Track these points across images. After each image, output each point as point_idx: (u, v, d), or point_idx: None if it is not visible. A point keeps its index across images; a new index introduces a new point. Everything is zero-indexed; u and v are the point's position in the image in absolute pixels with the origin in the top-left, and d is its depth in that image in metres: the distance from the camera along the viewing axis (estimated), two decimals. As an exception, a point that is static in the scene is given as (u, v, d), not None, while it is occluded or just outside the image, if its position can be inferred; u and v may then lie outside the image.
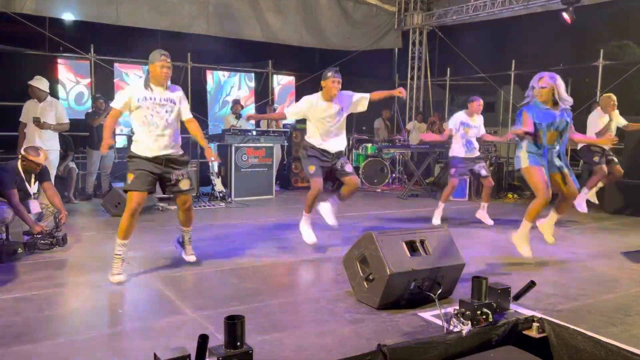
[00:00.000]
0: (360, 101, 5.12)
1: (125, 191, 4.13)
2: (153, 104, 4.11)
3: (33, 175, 5.23)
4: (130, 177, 4.06)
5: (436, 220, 6.63)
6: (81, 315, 3.51)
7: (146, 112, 4.11)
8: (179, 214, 4.48)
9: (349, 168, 5.17)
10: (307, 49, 12.01)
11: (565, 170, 4.72)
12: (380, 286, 3.43)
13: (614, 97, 7.07)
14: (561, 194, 4.84)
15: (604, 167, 7.04)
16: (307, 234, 5.15)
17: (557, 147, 4.70)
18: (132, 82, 10.33)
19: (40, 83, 6.71)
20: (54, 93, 9.29)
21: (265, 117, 8.47)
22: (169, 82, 4.21)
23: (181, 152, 4.36)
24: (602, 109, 7.13)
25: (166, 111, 4.16)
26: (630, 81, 10.16)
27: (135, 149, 4.18)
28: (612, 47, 10.92)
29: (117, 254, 4.04)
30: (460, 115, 6.65)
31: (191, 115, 4.40)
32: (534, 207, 4.65)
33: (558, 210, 4.92)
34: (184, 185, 4.29)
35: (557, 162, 4.70)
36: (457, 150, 6.64)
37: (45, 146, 6.04)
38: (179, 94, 4.29)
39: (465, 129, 6.56)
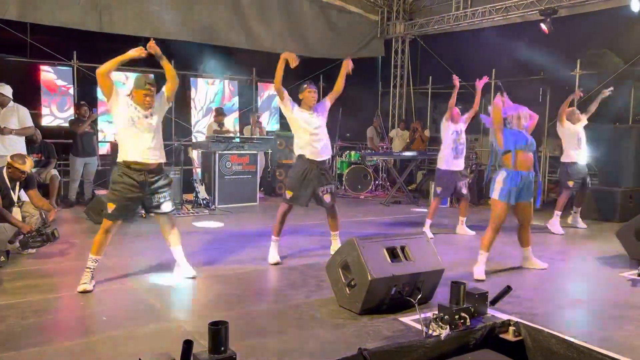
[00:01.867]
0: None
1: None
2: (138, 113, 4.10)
3: (18, 183, 5.21)
4: (110, 206, 4.06)
5: (427, 232, 6.38)
6: (65, 323, 3.53)
7: (131, 114, 4.07)
8: (168, 235, 4.39)
9: None
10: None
11: (531, 201, 4.78)
12: (361, 292, 3.50)
13: (577, 110, 7.17)
14: (519, 222, 4.89)
15: (569, 193, 7.13)
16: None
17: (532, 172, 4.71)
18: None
19: (1, 89, 6.69)
20: (35, 100, 9.26)
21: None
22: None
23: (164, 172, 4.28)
24: (571, 121, 7.11)
25: (147, 118, 4.11)
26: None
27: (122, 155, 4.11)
28: (590, 55, 11.13)
29: (88, 267, 4.09)
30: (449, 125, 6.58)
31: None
32: (489, 238, 4.71)
33: (525, 244, 4.99)
34: (166, 207, 4.28)
35: (529, 191, 4.69)
36: (446, 158, 6.52)
37: (8, 151, 6.00)
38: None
39: (456, 138, 6.53)
